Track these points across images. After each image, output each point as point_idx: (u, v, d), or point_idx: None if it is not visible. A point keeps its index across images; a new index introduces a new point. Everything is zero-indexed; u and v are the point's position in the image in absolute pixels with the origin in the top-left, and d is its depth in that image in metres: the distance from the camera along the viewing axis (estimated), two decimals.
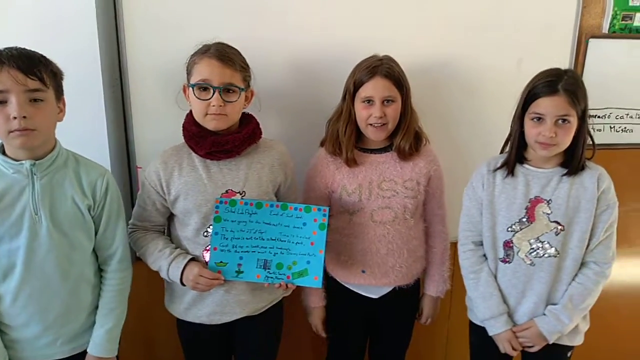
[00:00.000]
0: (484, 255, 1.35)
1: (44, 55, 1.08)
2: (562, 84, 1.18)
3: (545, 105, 1.19)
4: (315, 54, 1.48)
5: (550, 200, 1.27)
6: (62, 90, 1.13)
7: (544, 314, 1.29)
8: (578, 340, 1.33)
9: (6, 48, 1.06)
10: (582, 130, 1.22)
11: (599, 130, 1.74)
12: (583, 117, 1.22)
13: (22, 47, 1.07)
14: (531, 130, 1.23)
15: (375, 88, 1.29)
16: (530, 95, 1.23)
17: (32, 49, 1.08)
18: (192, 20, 1.41)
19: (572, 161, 1.25)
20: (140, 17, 1.40)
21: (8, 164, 1.10)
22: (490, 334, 1.32)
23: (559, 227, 1.27)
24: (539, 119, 1.21)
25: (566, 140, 1.21)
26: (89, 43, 1.36)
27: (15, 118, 1.02)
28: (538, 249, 1.28)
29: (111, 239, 1.21)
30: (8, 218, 1.09)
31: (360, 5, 1.48)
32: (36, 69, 1.04)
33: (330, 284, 1.45)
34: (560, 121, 1.19)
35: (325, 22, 1.47)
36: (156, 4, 1.40)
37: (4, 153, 1.11)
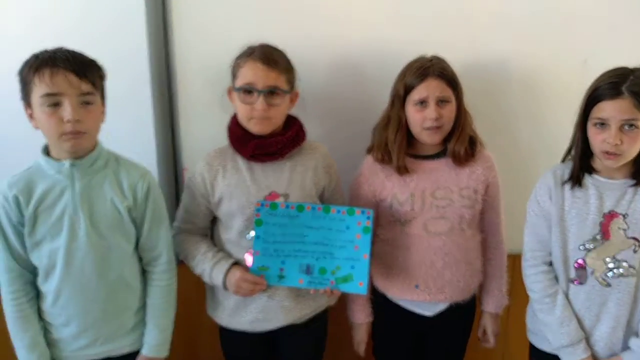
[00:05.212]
0: (555, 276, 1.13)
1: (94, 58, 1.03)
2: (627, 85, 0.99)
3: (608, 109, 1.00)
4: (361, 53, 1.32)
5: (626, 214, 1.05)
6: (105, 93, 1.07)
7: (629, 348, 1.07)
8: None
9: (58, 50, 1.00)
10: None
11: None
12: None
13: (72, 49, 1.01)
14: (595, 138, 1.03)
15: (428, 89, 1.12)
16: (591, 99, 1.03)
17: (81, 51, 1.02)
18: (238, 21, 1.29)
19: None
20: (188, 18, 1.29)
21: (50, 164, 1.04)
22: None
23: (637, 244, 1.05)
24: (602, 124, 1.02)
25: (633, 149, 1.02)
26: (137, 44, 1.28)
27: (68, 121, 0.97)
28: (615, 268, 1.06)
29: (155, 241, 1.12)
30: (49, 218, 1.03)
31: (410, 3, 1.30)
32: (88, 72, 1.00)
33: (379, 301, 1.26)
34: (626, 127, 1.00)
35: (373, 22, 1.31)
36: (204, 6, 1.29)
37: (47, 154, 1.05)
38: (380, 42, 1.32)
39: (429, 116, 1.13)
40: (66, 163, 1.03)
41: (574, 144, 1.10)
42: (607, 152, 1.02)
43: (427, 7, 1.31)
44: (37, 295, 1.08)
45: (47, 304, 1.07)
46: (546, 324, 1.13)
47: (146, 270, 1.14)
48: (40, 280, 1.06)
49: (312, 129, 1.23)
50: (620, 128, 1.00)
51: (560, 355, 1.12)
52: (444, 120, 1.14)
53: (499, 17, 1.32)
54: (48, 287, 1.06)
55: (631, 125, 1.00)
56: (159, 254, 1.13)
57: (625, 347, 1.09)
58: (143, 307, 1.13)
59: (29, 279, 1.07)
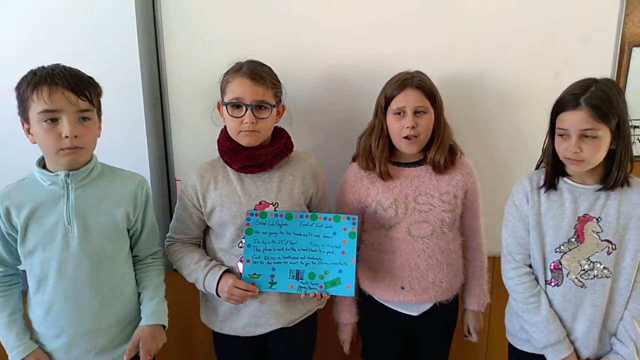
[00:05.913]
0: (536, 277, 1.16)
1: (90, 76, 1.05)
2: (586, 97, 1.03)
3: (567, 119, 1.06)
4: (347, 68, 1.37)
5: (599, 217, 1.09)
6: (101, 109, 1.09)
7: (616, 352, 1.10)
8: None
9: (55, 67, 1.01)
10: (619, 143, 1.05)
11: None
12: (618, 129, 1.04)
13: (69, 66, 1.03)
14: (559, 146, 1.09)
15: (406, 99, 1.18)
16: (555, 110, 1.09)
17: (77, 68, 1.04)
18: (227, 37, 1.34)
19: (608, 176, 1.08)
20: (180, 33, 1.34)
21: (45, 175, 1.05)
22: (556, 359, 1.12)
23: (611, 246, 1.09)
24: (565, 134, 1.07)
25: (596, 156, 1.06)
26: (130, 59, 1.32)
27: (67, 137, 0.99)
28: (589, 270, 1.10)
29: (152, 242, 1.18)
30: (41, 228, 1.04)
31: (392, 18, 1.35)
32: (86, 90, 1.02)
33: (367, 303, 1.30)
34: (586, 135, 1.04)
35: (357, 37, 1.36)
36: (194, 23, 1.34)
37: (43, 167, 1.06)
38: (364, 56, 1.36)
39: (405, 124, 1.18)
40: (61, 174, 1.04)
41: (545, 152, 1.15)
42: (569, 159, 1.08)
43: (412, 23, 1.37)
44: (21, 285, 1.10)
45: (39, 316, 1.07)
46: (532, 324, 1.14)
47: (140, 260, 1.18)
48: (32, 290, 1.07)
49: (298, 141, 1.27)
50: (581, 137, 1.05)
51: (546, 353, 1.13)
52: (421, 130, 1.19)
53: (478, 32, 1.38)
54: (41, 298, 1.06)
55: (591, 134, 1.04)
56: (155, 250, 1.20)
57: (602, 346, 1.13)
58: (137, 317, 1.14)
59: (15, 272, 1.10)
